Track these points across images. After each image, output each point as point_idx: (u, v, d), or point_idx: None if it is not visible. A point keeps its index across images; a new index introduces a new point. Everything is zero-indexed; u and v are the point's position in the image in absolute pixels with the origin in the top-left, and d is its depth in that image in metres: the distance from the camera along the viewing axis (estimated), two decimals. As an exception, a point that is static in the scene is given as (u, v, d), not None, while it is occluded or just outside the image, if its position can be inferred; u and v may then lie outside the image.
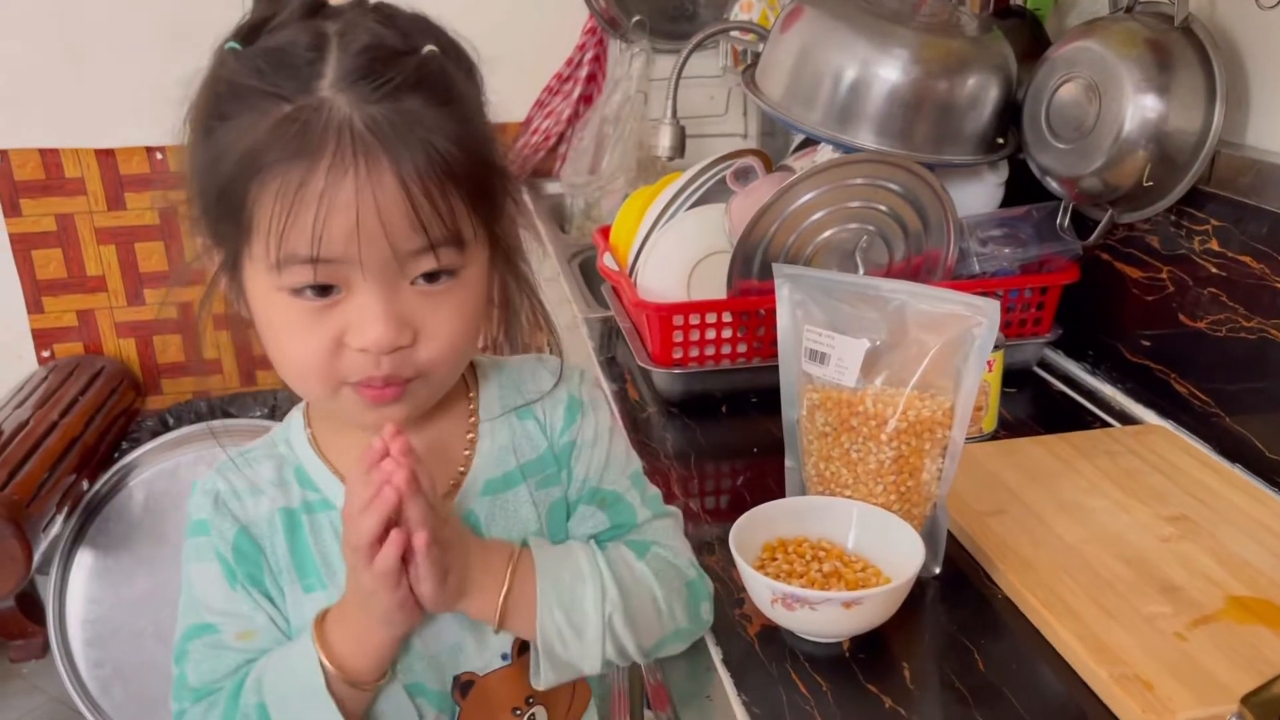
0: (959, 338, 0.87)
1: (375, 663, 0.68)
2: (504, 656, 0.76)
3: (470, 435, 0.76)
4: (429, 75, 0.61)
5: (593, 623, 0.71)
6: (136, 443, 2.03)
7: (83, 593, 1.95)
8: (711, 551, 0.96)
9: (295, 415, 0.75)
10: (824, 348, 0.91)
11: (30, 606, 2.16)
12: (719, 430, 1.20)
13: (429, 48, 0.63)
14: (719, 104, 2.30)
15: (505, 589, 0.69)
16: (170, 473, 1.99)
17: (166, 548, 1.96)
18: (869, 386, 0.90)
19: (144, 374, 2.20)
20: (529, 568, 0.71)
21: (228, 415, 2.18)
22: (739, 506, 0.89)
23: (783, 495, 0.98)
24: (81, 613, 1.95)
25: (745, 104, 2.32)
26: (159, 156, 2.04)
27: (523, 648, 0.76)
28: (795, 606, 0.80)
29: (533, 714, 0.79)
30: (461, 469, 0.75)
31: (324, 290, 0.61)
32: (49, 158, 1.99)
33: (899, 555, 0.85)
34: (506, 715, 0.77)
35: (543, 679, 0.72)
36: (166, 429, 2.09)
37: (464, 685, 0.75)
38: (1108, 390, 1.26)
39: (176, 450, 2.01)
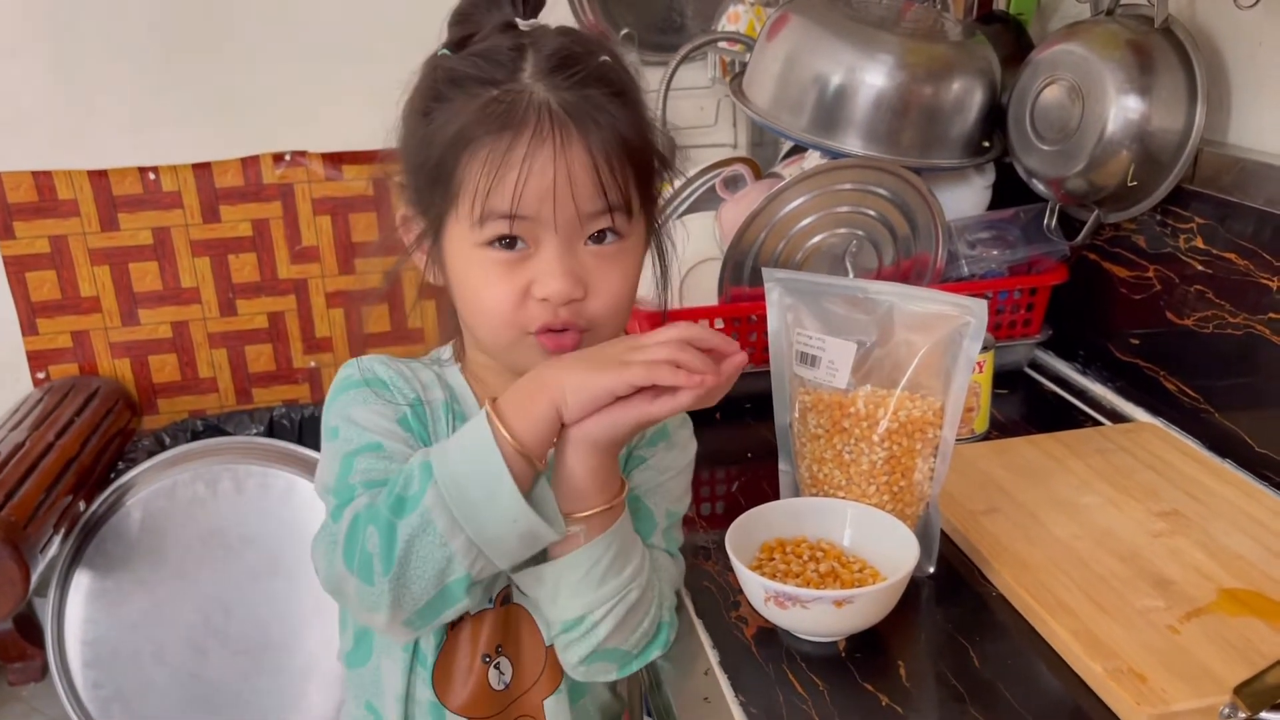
0: (948, 337, 0.88)
1: (533, 428, 0.68)
2: (491, 600, 0.79)
3: None
4: (607, 74, 0.74)
5: (625, 576, 0.74)
6: (133, 462, 2.02)
7: (81, 614, 1.94)
8: (708, 557, 0.96)
9: (443, 353, 0.86)
10: (815, 350, 0.92)
11: (28, 629, 2.16)
12: (713, 437, 1.19)
13: (604, 57, 0.75)
14: (708, 114, 2.31)
15: (620, 493, 0.74)
16: (168, 491, 1.98)
17: (165, 567, 1.95)
18: (860, 388, 0.91)
19: (139, 394, 2.19)
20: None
21: (223, 433, 2.17)
22: (734, 511, 0.90)
23: (777, 499, 0.99)
24: (80, 634, 1.94)
25: (735, 114, 2.33)
26: (152, 177, 2.04)
27: (505, 598, 0.80)
28: (788, 605, 0.80)
29: (499, 664, 0.81)
30: None
31: (512, 244, 0.72)
32: (41, 179, 1.99)
33: (895, 555, 0.85)
34: (476, 659, 0.80)
35: (545, 580, 0.74)
36: (163, 448, 2.08)
37: (455, 619, 0.77)
38: (1098, 389, 1.27)
39: (173, 469, 2.00)
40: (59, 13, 1.91)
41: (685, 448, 0.87)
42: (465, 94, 0.71)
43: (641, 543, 0.77)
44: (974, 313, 0.86)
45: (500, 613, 0.80)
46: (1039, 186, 1.22)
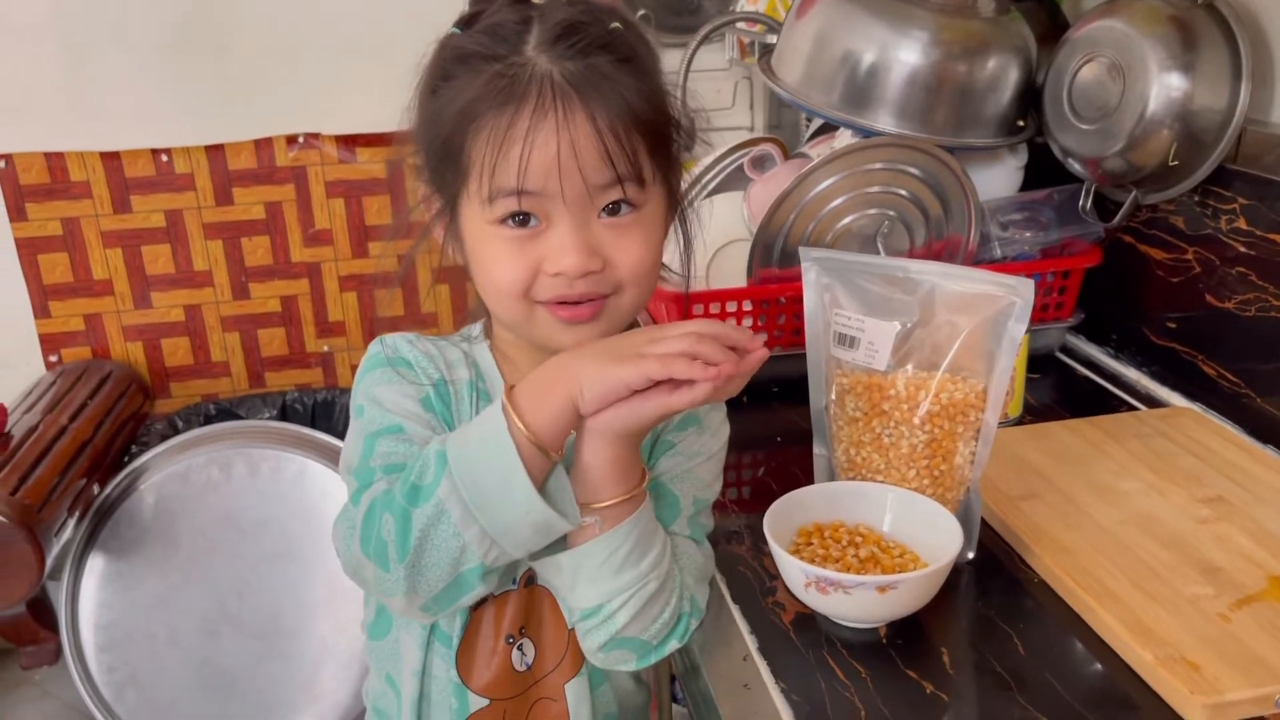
0: (992, 319, 0.86)
1: (549, 419, 0.67)
2: (515, 581, 0.79)
3: None
4: (614, 41, 0.72)
5: (645, 566, 0.73)
6: (146, 446, 2.01)
7: (94, 597, 1.93)
8: (741, 541, 0.94)
9: (473, 330, 0.84)
10: (854, 331, 0.90)
11: (42, 612, 2.14)
12: (741, 421, 1.17)
13: (614, 24, 0.73)
14: (725, 97, 2.29)
15: (640, 483, 0.72)
16: (181, 476, 1.97)
17: (178, 551, 1.95)
18: (900, 370, 0.88)
19: (152, 377, 2.18)
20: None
21: (236, 417, 2.16)
22: (765, 496, 0.88)
23: (810, 483, 0.97)
24: (94, 617, 1.93)
25: (752, 96, 2.31)
26: (164, 159, 2.02)
27: (529, 579, 0.79)
28: (829, 591, 0.78)
29: (521, 645, 0.80)
30: None
31: (524, 220, 0.71)
32: (54, 161, 1.98)
33: (936, 540, 0.83)
34: (500, 640, 0.79)
35: (563, 568, 0.73)
36: (176, 432, 2.07)
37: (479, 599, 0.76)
38: (1132, 374, 1.25)
39: (186, 453, 1.99)
40: (71, -7, 1.89)
41: (717, 432, 0.85)
42: (470, 70, 0.71)
43: (663, 533, 0.76)
44: (1020, 293, 0.84)
45: (524, 594, 0.80)
46: (1075, 166, 1.20)
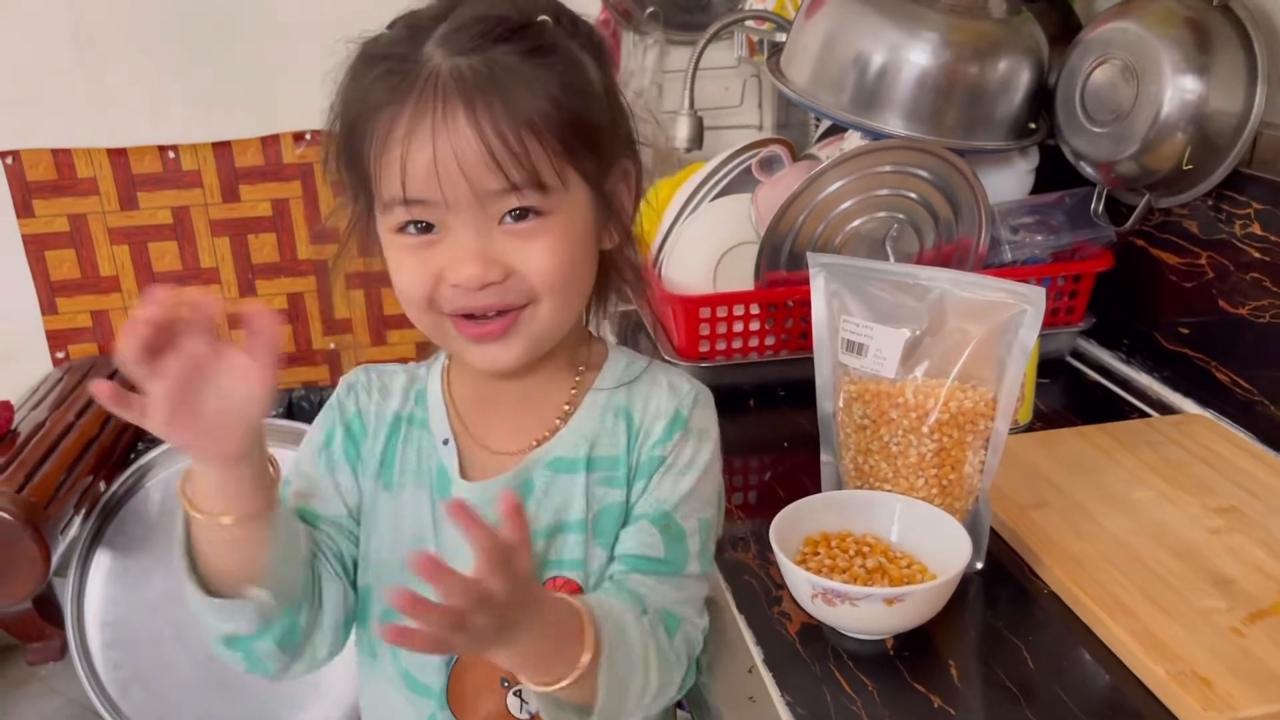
0: (1002, 326, 0.85)
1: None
2: None
3: (568, 406, 0.78)
4: (528, 34, 0.66)
5: (629, 707, 0.69)
6: (152, 443, 2.01)
7: (100, 594, 1.93)
8: (746, 548, 0.93)
9: (442, 353, 0.82)
10: (862, 338, 0.89)
11: (47, 608, 2.15)
12: (748, 425, 1.18)
13: (541, 17, 0.68)
14: (734, 95, 2.27)
15: (574, 675, 0.63)
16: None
17: (184, 549, 1.94)
18: (909, 377, 0.87)
19: (159, 374, 2.18)
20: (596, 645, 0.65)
21: (243, 415, 2.17)
22: (771, 502, 0.88)
23: (817, 490, 0.96)
24: (100, 614, 1.93)
25: (760, 94, 2.29)
26: (171, 155, 2.02)
27: None
28: (836, 602, 0.77)
29: (520, 689, 0.77)
30: (547, 433, 0.77)
31: (426, 228, 0.67)
32: (61, 158, 1.97)
33: (944, 550, 0.82)
34: (496, 685, 0.76)
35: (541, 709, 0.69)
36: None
37: None
38: (1143, 379, 1.23)
39: (193, 450, 1.99)
40: (79, -12, 1.89)
41: (707, 433, 0.78)
42: (370, 69, 0.67)
43: (635, 640, 0.68)
44: (1031, 301, 0.83)
45: None
46: (1087, 170, 1.18)
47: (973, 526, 0.87)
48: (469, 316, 0.69)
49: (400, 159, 0.64)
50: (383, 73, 0.66)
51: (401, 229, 0.68)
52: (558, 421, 0.78)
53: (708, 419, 0.79)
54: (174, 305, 0.57)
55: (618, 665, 0.66)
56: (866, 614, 0.77)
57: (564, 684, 0.63)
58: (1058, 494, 0.97)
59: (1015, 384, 0.85)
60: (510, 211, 0.66)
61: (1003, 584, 0.88)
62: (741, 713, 0.76)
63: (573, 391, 0.79)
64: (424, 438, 0.79)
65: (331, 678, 1.93)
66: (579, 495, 0.76)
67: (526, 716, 0.78)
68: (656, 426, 0.76)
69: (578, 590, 0.76)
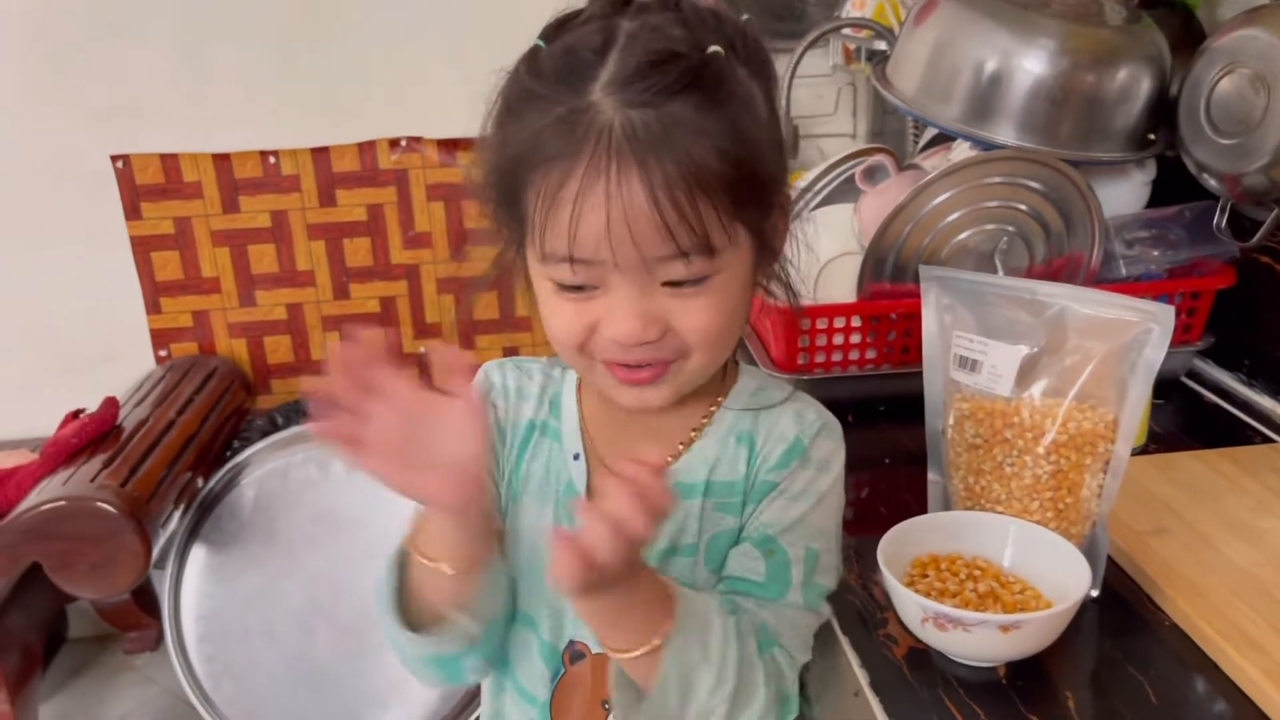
0: (1125, 345, 0.82)
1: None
2: None
3: (695, 430, 0.76)
4: (703, 78, 0.61)
5: (696, 703, 0.66)
6: (247, 441, 2.05)
7: (196, 588, 1.97)
8: (848, 567, 0.91)
9: None
10: (976, 354, 0.86)
11: (144, 600, 2.21)
12: (847, 440, 1.15)
13: (713, 48, 0.63)
14: (828, 103, 2.25)
15: (649, 646, 0.63)
16: (281, 473, 2.00)
17: (276, 546, 1.97)
18: (1025, 396, 0.85)
19: (254, 374, 2.22)
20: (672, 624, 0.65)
21: (334, 416, 2.19)
22: (872, 520, 0.85)
23: (922, 510, 0.93)
24: (195, 608, 1.97)
25: (855, 103, 2.26)
26: (272, 160, 2.06)
27: None
28: (948, 627, 0.75)
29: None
30: (671, 457, 0.75)
31: (579, 288, 0.64)
32: (168, 162, 2.03)
33: (1060, 577, 0.79)
34: (597, 705, 0.74)
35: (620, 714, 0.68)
36: (275, 428, 2.10)
37: (575, 653, 0.74)
38: (1266, 402, 1.18)
39: (286, 450, 2.02)
40: (184, 0, 1.94)
41: (828, 465, 0.74)
42: (533, 110, 0.63)
43: (715, 634, 0.66)
44: (1159, 319, 0.79)
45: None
46: (1210, 182, 1.13)
47: (1089, 552, 0.84)
48: (622, 363, 0.68)
49: (572, 220, 0.60)
50: (551, 121, 0.61)
51: (558, 284, 0.66)
52: (681, 447, 0.76)
53: (830, 451, 0.75)
54: (372, 344, 0.59)
55: (691, 651, 0.64)
56: (980, 641, 0.75)
57: (638, 653, 0.63)
58: (1178, 521, 0.93)
59: (1139, 406, 0.81)
60: (671, 280, 0.64)
61: (1120, 613, 0.84)
62: (848, 738, 0.74)
63: (703, 420, 0.76)
64: (554, 449, 0.77)
65: (415, 680, 1.94)
66: (694, 519, 0.74)
67: None
68: (775, 452, 0.74)
69: None
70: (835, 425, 0.77)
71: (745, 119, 0.63)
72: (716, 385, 0.77)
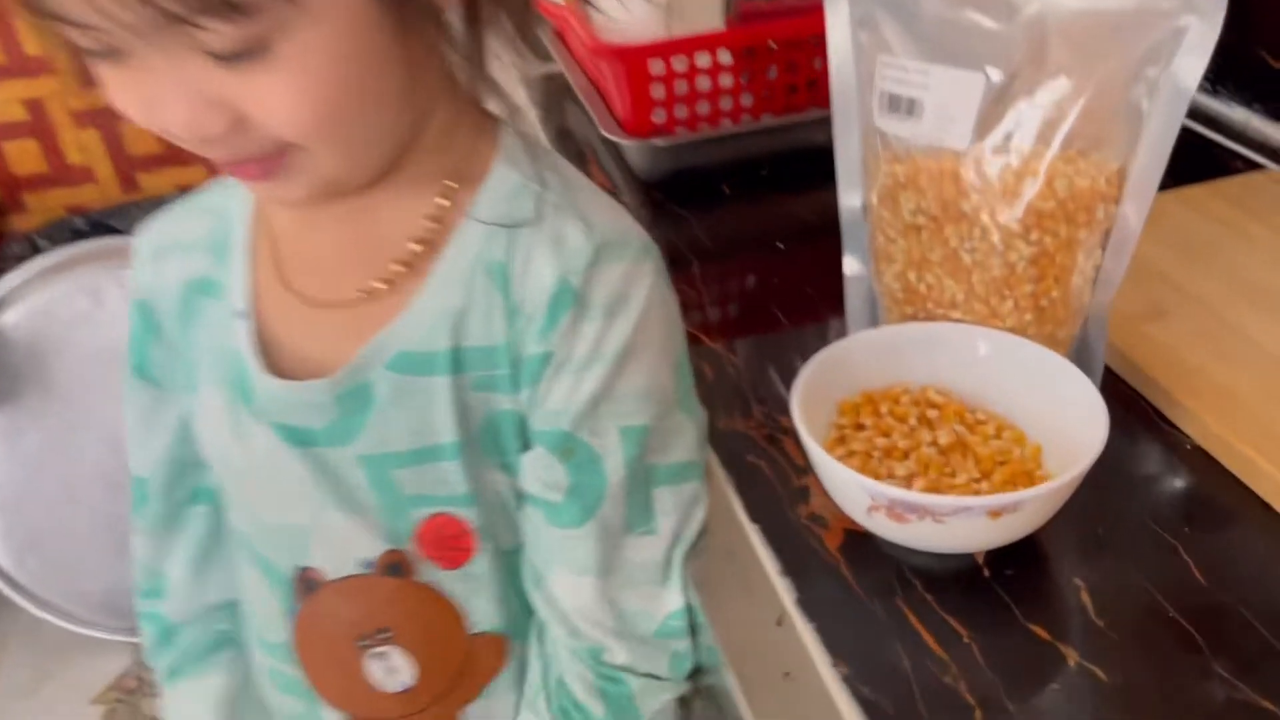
0: (1142, 54, 0.54)
1: None
2: (366, 564, 0.53)
3: (421, 244, 0.49)
4: None
5: None
6: (0, 273, 1.71)
7: (-30, 458, 1.68)
8: (745, 413, 0.65)
9: None
10: (912, 91, 0.58)
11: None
12: (724, 220, 0.87)
13: None
14: None
15: None
16: (43, 310, 1.68)
17: (54, 397, 1.68)
18: (988, 147, 0.57)
19: (1, 189, 1.85)
20: None
21: (113, 231, 1.85)
22: (771, 339, 0.59)
23: (837, 315, 0.67)
24: (-26, 480, 1.69)
25: None
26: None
27: (390, 567, 0.53)
28: (909, 518, 0.50)
29: (385, 653, 0.55)
30: (383, 284, 0.49)
31: (107, 53, 0.42)
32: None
33: (1046, 405, 0.55)
34: (348, 644, 0.55)
35: None
36: (37, 253, 1.77)
37: (307, 582, 0.55)
38: (1238, 114, 0.93)
39: (49, 281, 1.70)
40: None
41: (623, 302, 0.48)
42: None
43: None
44: (1198, 6, 0.51)
45: (387, 585, 0.54)
46: None
47: (1078, 361, 0.59)
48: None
49: None
50: None
51: (92, 58, 0.42)
52: (400, 269, 0.49)
53: (620, 279, 0.48)
54: None
55: None
56: (957, 531, 0.50)
57: None
58: (1176, 294, 0.69)
59: (1160, 148, 0.55)
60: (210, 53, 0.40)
61: (1125, 441, 0.60)
62: (774, 697, 0.50)
63: (433, 226, 0.49)
64: (218, 310, 0.54)
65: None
66: (445, 408, 0.49)
67: (400, 688, 0.56)
68: (539, 307, 0.48)
69: (467, 531, 0.52)
70: (622, 239, 0.49)
71: None
72: (453, 162, 0.50)
